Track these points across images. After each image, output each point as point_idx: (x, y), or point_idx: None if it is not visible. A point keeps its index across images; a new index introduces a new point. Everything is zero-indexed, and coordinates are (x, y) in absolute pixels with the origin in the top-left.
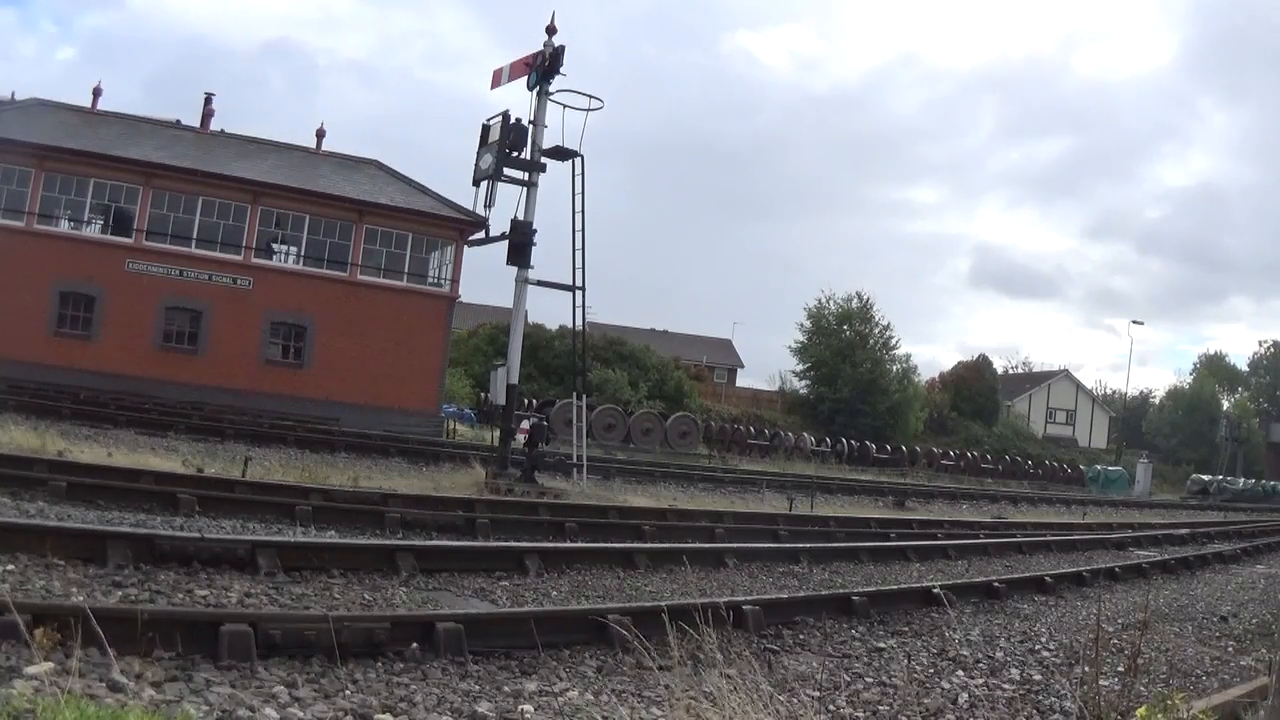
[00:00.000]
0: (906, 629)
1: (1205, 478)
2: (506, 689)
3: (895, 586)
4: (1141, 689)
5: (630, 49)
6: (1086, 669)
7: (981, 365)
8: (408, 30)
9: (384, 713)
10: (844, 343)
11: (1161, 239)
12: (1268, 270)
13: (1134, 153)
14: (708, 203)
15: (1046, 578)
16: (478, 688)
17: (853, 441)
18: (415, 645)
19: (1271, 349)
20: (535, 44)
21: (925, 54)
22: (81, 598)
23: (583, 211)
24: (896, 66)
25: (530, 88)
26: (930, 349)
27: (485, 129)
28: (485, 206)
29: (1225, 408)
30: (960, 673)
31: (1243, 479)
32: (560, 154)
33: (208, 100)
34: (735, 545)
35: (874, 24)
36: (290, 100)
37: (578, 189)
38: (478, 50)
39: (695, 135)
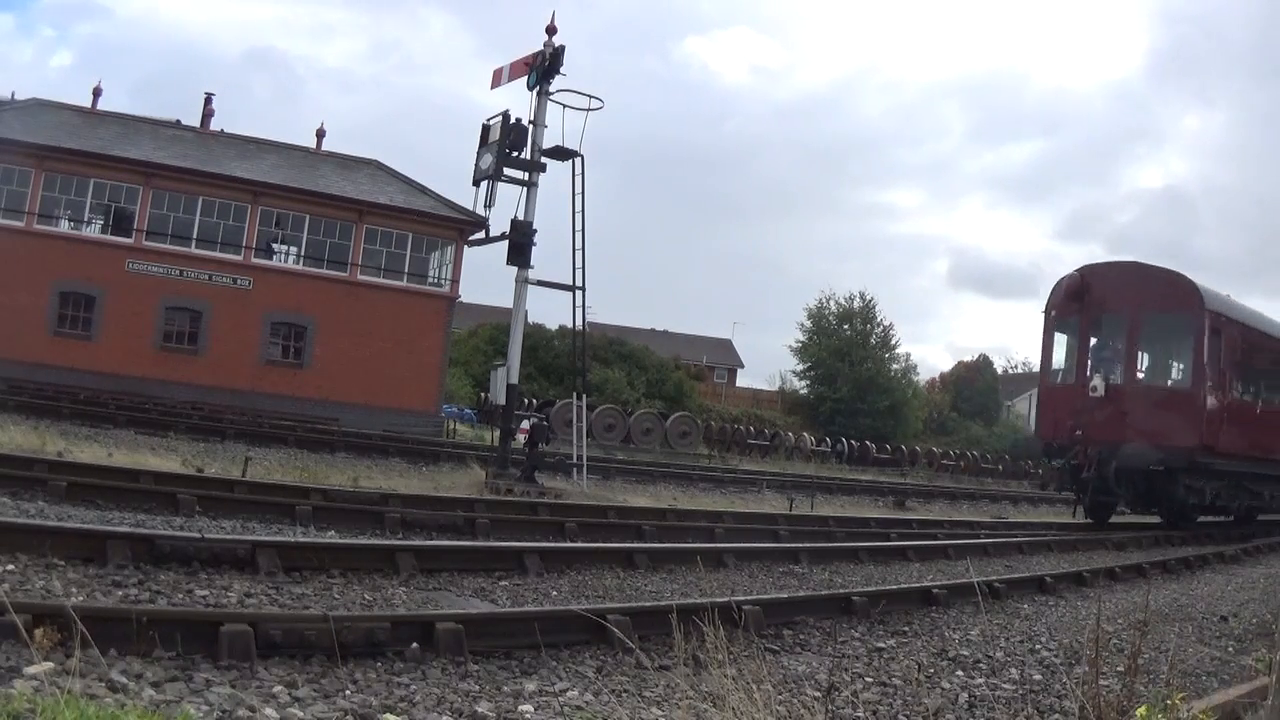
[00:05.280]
0: (906, 629)
1: None
2: (506, 689)
3: (895, 586)
4: (1141, 689)
5: (599, 55)
6: (1086, 669)
7: (982, 365)
8: (398, 36)
9: (384, 713)
10: (844, 342)
11: (1133, 241)
12: (1243, 272)
13: (1104, 156)
14: (691, 205)
15: (1046, 578)
16: (478, 688)
17: (853, 441)
18: (415, 645)
19: None
20: (521, 48)
21: (888, 63)
22: (81, 598)
23: (583, 211)
24: (861, 75)
25: (530, 87)
26: (920, 349)
27: (485, 129)
28: (485, 206)
29: None
30: (960, 673)
31: None
32: (560, 154)
33: (208, 100)
34: (735, 545)
35: (835, 35)
36: (276, 107)
37: (578, 189)
38: (466, 54)
39: (670, 141)
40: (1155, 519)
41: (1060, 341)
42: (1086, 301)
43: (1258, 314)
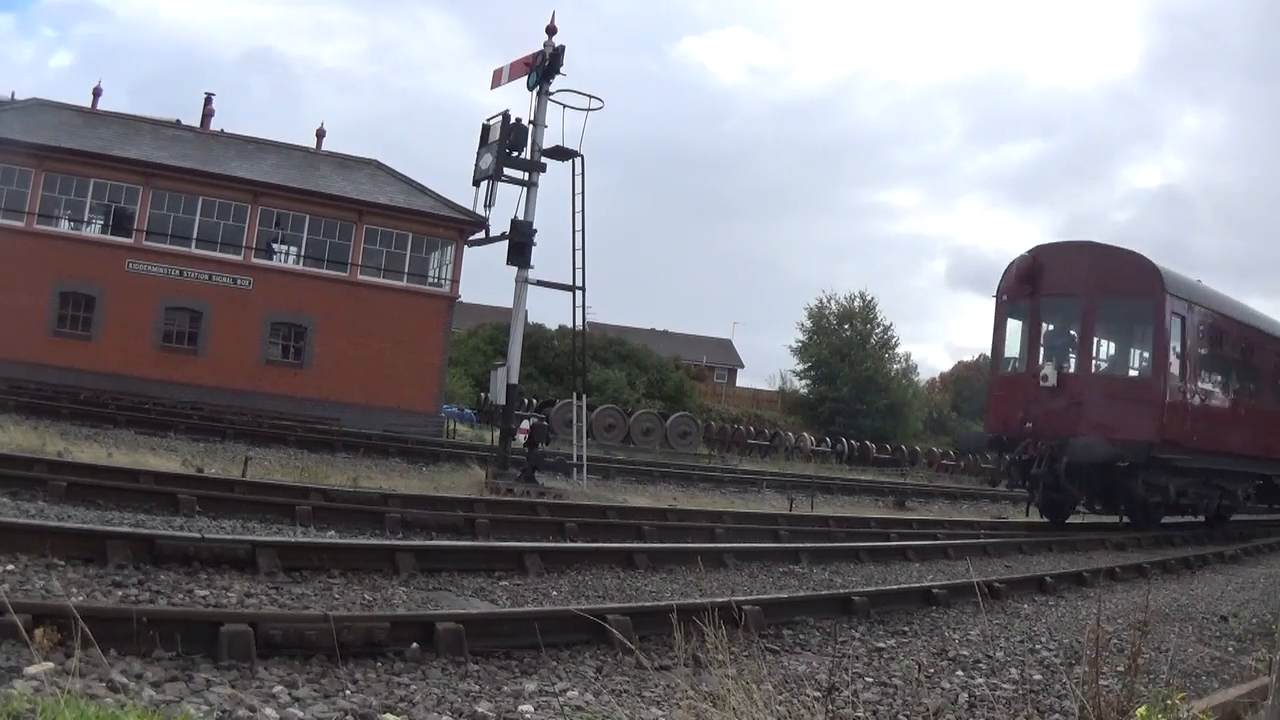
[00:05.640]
0: (906, 629)
1: None
2: (506, 689)
3: (895, 586)
4: (1141, 689)
5: (597, 56)
6: (1086, 669)
7: (981, 365)
8: (397, 37)
9: (384, 713)
10: (844, 342)
11: (1131, 241)
12: (1240, 272)
13: (1102, 156)
14: (691, 206)
15: (1046, 578)
16: (477, 688)
17: (853, 441)
18: (415, 645)
19: None
20: (520, 49)
21: (885, 64)
22: (81, 598)
23: (583, 211)
24: (858, 76)
25: (530, 87)
26: (919, 349)
27: (485, 129)
28: (485, 206)
29: None
30: (960, 673)
31: None
32: (560, 154)
33: (208, 100)
34: (735, 545)
35: (831, 36)
36: (275, 108)
37: (578, 189)
38: (465, 55)
39: (668, 142)
40: (1117, 518)
41: (1013, 328)
42: (1039, 285)
43: (1227, 299)
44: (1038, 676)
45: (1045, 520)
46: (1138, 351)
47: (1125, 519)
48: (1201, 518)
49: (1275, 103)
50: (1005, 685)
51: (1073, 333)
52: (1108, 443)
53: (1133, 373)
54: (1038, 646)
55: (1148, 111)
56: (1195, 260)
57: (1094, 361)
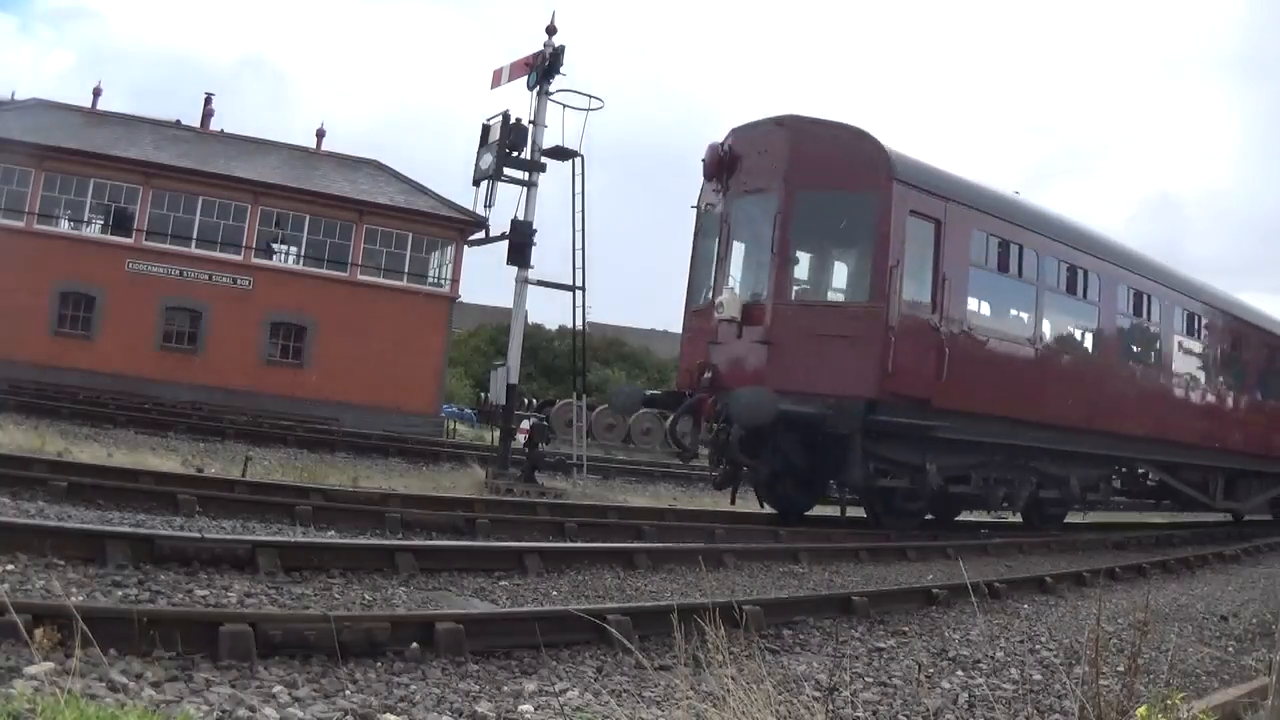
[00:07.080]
0: (906, 629)
1: None
2: (506, 689)
3: (895, 586)
4: (1141, 689)
5: (587, 57)
6: (1086, 669)
7: None
8: (395, 39)
9: (384, 712)
10: None
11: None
12: (1233, 275)
13: (1096, 158)
14: (687, 206)
15: (1046, 578)
16: (477, 687)
17: None
18: (415, 645)
19: None
20: (517, 49)
21: (880, 63)
22: (81, 598)
23: (583, 211)
24: (852, 76)
25: (530, 87)
26: None
27: (485, 129)
28: (485, 206)
29: None
30: (960, 672)
31: None
32: (560, 154)
33: (208, 100)
34: (735, 545)
35: (822, 37)
36: (271, 112)
37: (578, 189)
38: (463, 57)
39: (667, 142)
40: (839, 513)
41: (712, 247)
42: (730, 181)
43: (1043, 211)
44: (1038, 676)
45: (772, 512)
46: (853, 268)
47: (851, 513)
48: (1015, 514)
49: (1268, 105)
50: (1005, 685)
51: (766, 243)
52: (783, 395)
53: (844, 298)
54: (1038, 646)
55: (1142, 113)
56: (1191, 263)
57: (793, 286)
